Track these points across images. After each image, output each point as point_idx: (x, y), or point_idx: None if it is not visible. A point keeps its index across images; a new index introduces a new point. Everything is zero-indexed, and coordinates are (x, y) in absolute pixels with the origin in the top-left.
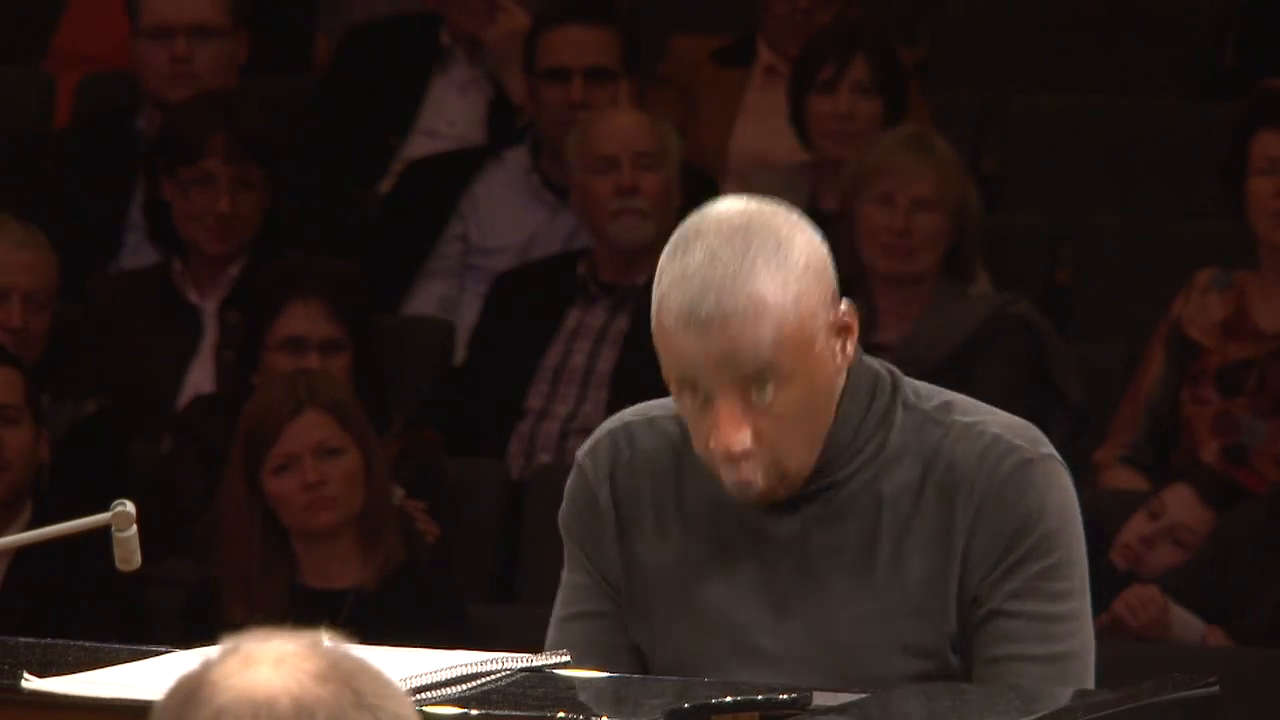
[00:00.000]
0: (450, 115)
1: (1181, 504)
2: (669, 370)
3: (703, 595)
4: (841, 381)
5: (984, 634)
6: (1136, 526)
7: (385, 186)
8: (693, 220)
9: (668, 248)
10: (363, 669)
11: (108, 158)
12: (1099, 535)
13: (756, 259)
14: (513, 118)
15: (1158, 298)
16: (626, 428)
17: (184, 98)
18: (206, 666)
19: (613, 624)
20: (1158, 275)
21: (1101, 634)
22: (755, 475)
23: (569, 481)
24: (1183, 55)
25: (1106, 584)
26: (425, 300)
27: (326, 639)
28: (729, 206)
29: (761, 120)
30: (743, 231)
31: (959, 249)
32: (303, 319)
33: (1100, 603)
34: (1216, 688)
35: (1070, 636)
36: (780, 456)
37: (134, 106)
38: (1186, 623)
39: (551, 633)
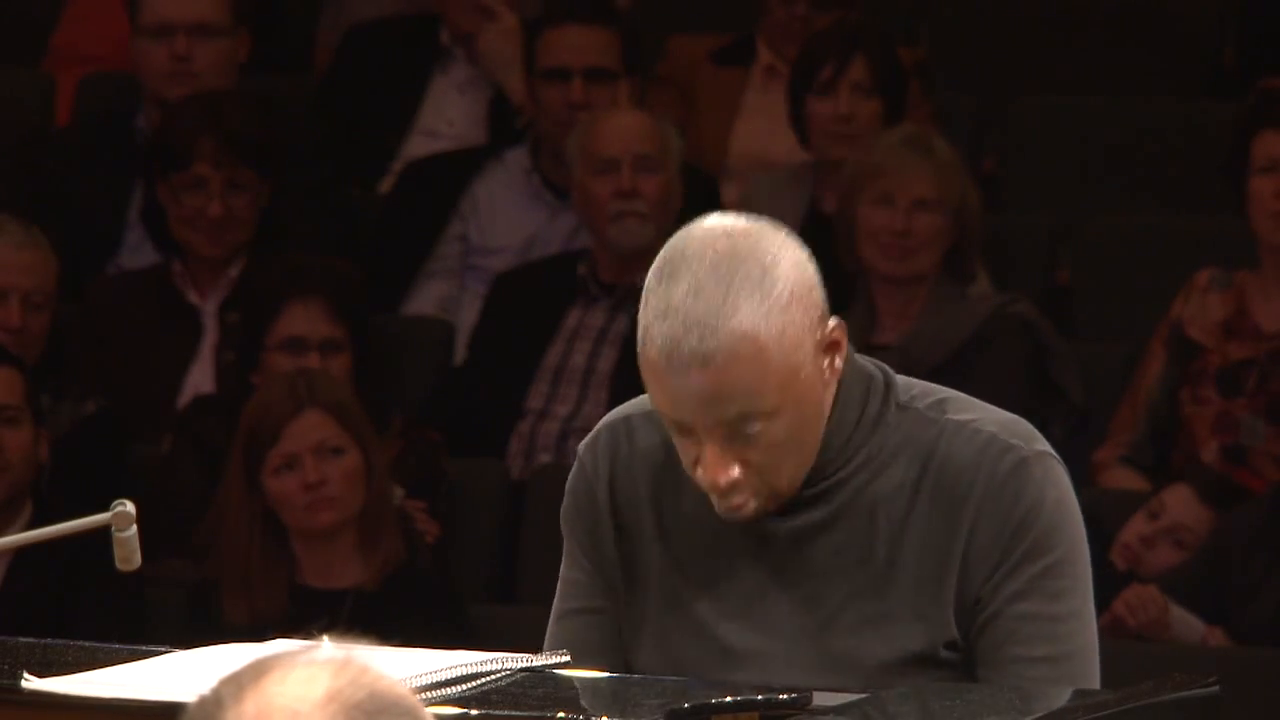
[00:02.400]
0: (450, 115)
1: (1181, 504)
2: (655, 403)
3: (696, 596)
4: (831, 393)
5: (987, 636)
6: (1136, 526)
7: (385, 186)
8: (678, 242)
9: (653, 270)
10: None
11: (108, 158)
12: (1099, 535)
13: (740, 292)
14: (513, 118)
15: (1158, 298)
16: (627, 421)
17: (184, 97)
18: (222, 709)
19: (609, 620)
20: (1158, 275)
21: (1101, 634)
22: (745, 500)
23: (570, 476)
24: (1183, 55)
25: (1106, 584)
26: (425, 300)
27: (348, 675)
28: (715, 227)
29: (761, 120)
30: (727, 260)
31: (959, 249)
32: (303, 319)
33: (1100, 603)
34: (1216, 688)
35: (1073, 636)
36: (770, 481)
37: (134, 106)
38: (1186, 623)
39: (550, 629)
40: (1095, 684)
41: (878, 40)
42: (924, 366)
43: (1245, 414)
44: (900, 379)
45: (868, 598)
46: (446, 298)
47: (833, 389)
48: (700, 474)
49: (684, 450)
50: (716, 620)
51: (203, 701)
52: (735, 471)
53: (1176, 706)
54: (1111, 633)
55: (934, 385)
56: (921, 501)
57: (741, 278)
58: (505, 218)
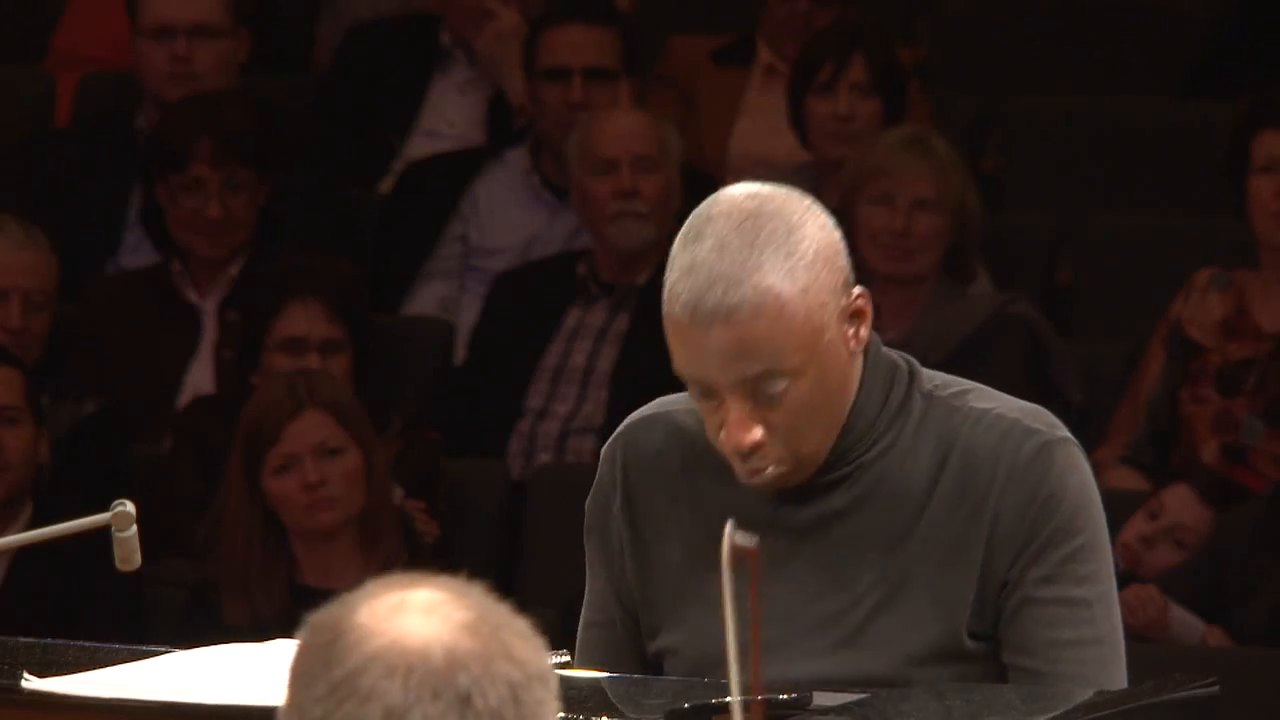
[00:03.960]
0: (450, 115)
1: (1181, 504)
2: (678, 364)
3: (714, 585)
4: (858, 367)
5: (1016, 621)
6: (1136, 526)
7: (385, 186)
8: (705, 207)
9: (681, 234)
10: (509, 622)
11: (108, 158)
12: None
13: (765, 249)
14: (513, 118)
15: (1158, 298)
16: (647, 421)
17: (181, 98)
18: (353, 608)
19: (626, 633)
20: (1158, 275)
21: None
22: (767, 466)
23: (592, 488)
24: (1182, 55)
25: None
26: (425, 300)
27: (457, 589)
28: (741, 191)
29: (761, 120)
30: (752, 219)
31: (959, 249)
32: (303, 319)
33: None
34: (1216, 688)
35: (1100, 620)
36: (794, 446)
37: (134, 106)
38: (1186, 622)
39: (581, 636)
40: (1122, 669)
41: (877, 40)
42: (924, 366)
43: (1245, 414)
44: (924, 370)
45: (889, 585)
46: (446, 298)
47: (858, 362)
48: (723, 437)
49: (708, 417)
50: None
51: (313, 628)
52: (758, 433)
53: (1176, 706)
54: None
55: (957, 378)
56: (943, 488)
57: (767, 235)
58: (505, 218)
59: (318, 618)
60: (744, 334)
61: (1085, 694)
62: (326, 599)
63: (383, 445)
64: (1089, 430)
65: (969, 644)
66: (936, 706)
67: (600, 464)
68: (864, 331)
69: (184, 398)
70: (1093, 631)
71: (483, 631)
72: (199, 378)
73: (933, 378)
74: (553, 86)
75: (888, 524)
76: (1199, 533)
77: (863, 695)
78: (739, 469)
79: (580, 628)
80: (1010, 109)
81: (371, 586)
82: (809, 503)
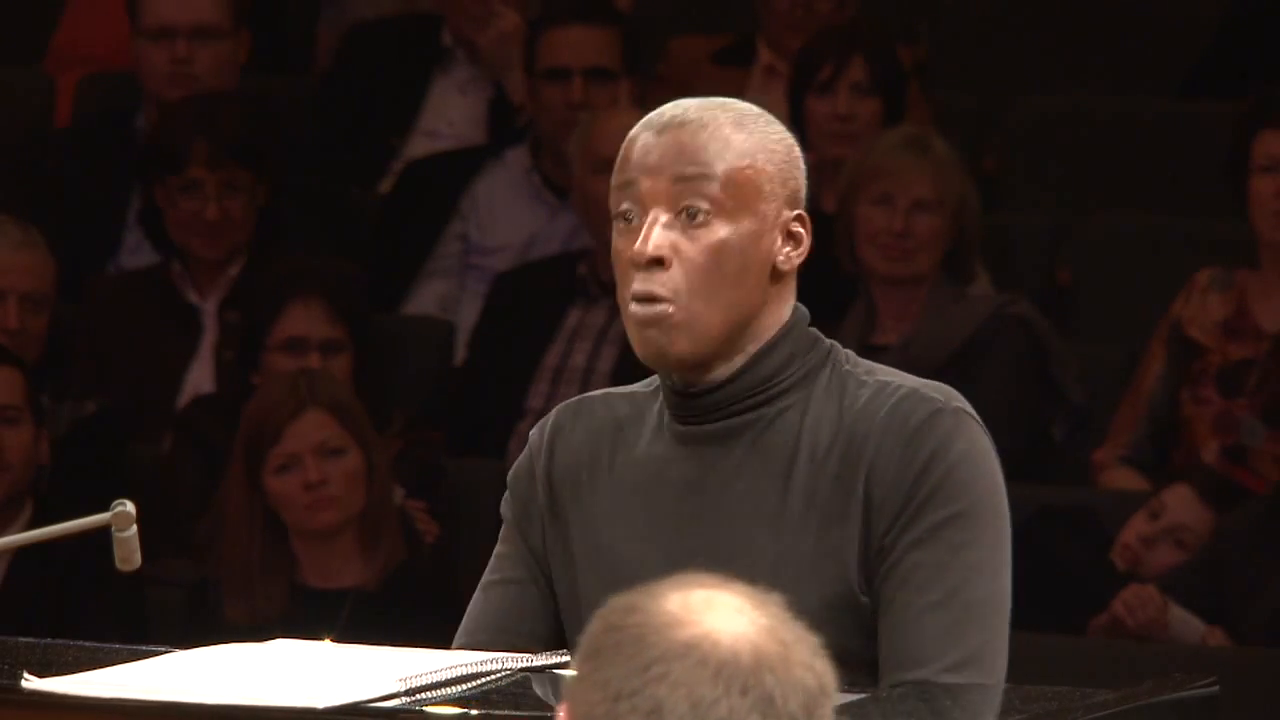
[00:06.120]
0: (451, 115)
1: (1181, 504)
2: (614, 180)
3: (615, 540)
4: (783, 299)
5: (885, 583)
6: (1136, 527)
7: (385, 186)
8: None
9: None
10: (805, 635)
11: (107, 158)
12: (1099, 535)
13: (738, 107)
14: (513, 118)
15: (1158, 298)
16: (579, 403)
17: (179, 99)
18: (663, 596)
19: (530, 590)
20: (1158, 275)
21: (1101, 634)
22: (663, 296)
23: (516, 461)
24: (1183, 55)
25: (1106, 584)
26: (425, 300)
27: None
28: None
29: None
30: (726, 98)
31: (958, 250)
32: (303, 319)
33: (1100, 603)
34: (1216, 688)
35: (969, 586)
36: (692, 294)
37: (134, 106)
38: (1186, 623)
39: (473, 599)
40: (996, 642)
41: (877, 40)
42: (924, 367)
43: (1245, 414)
44: (842, 350)
45: (781, 542)
46: (446, 297)
47: (784, 295)
48: (632, 251)
49: (624, 245)
50: (640, 565)
51: (620, 609)
52: (666, 246)
53: (1176, 706)
54: (1110, 633)
55: (871, 361)
56: (835, 450)
57: (741, 107)
58: (505, 217)
59: (623, 601)
60: (690, 138)
61: (1084, 694)
62: (327, 599)
63: (383, 445)
64: (1089, 430)
65: (863, 599)
66: (935, 707)
67: (530, 435)
68: (795, 257)
69: (184, 398)
70: (959, 596)
71: (785, 638)
72: (199, 378)
73: (848, 357)
74: (553, 86)
75: (784, 482)
76: (1199, 533)
77: (862, 695)
78: (635, 294)
79: (480, 588)
80: (1010, 109)
81: (675, 580)
82: (710, 456)
